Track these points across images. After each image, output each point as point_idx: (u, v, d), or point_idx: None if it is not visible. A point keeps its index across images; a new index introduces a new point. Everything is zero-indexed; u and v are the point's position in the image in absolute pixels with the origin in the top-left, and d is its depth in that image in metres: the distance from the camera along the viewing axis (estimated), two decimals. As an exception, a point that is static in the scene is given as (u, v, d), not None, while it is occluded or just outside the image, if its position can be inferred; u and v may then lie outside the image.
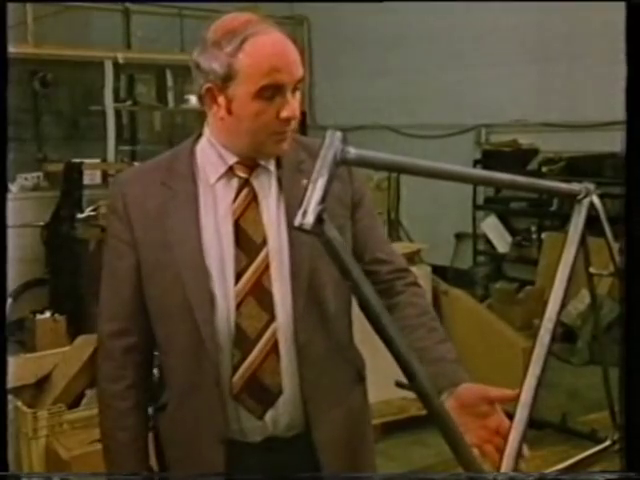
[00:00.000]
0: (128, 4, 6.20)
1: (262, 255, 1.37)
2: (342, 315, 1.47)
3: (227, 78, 1.30)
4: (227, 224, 1.38)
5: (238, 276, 1.37)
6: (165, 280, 1.39)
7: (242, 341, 1.37)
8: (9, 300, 5.04)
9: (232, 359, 1.38)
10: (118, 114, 6.11)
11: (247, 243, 1.37)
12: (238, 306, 1.37)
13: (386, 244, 1.55)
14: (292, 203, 1.37)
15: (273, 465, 1.43)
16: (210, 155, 1.40)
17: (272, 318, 1.37)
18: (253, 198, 1.39)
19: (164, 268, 1.38)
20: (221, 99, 1.33)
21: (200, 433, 1.42)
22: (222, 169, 1.39)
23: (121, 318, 1.44)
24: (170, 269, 1.37)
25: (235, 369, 1.38)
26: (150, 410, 1.52)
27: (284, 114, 1.31)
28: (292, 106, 1.32)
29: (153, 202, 1.39)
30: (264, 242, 1.38)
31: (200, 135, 1.44)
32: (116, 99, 5.95)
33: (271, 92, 1.30)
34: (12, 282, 5.03)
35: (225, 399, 1.39)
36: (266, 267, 1.37)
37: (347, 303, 1.47)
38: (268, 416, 1.40)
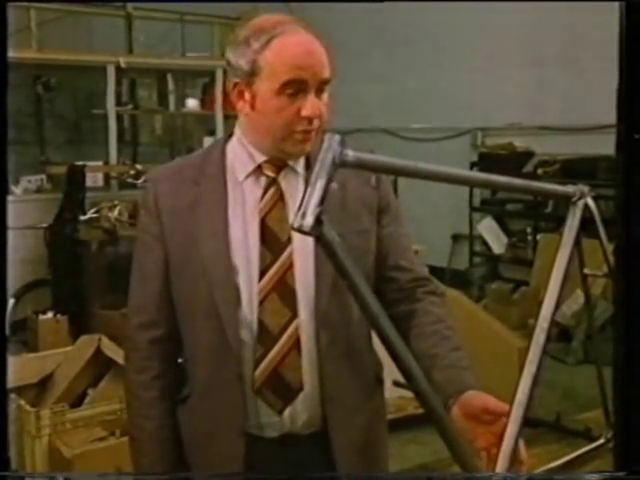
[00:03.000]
0: (130, 10, 6.21)
1: (287, 253, 1.38)
2: (364, 319, 1.42)
3: (252, 74, 1.33)
4: (254, 222, 1.39)
5: (262, 273, 1.38)
6: (192, 274, 1.40)
7: (265, 336, 1.38)
8: (12, 300, 5.02)
9: (254, 354, 1.39)
10: (120, 117, 6.06)
11: (272, 241, 1.39)
12: (261, 302, 1.38)
13: (409, 252, 1.53)
14: None
15: (288, 461, 1.44)
16: (240, 154, 1.42)
17: (295, 315, 1.38)
18: (280, 197, 1.40)
19: (191, 263, 1.40)
20: (247, 95, 1.35)
21: (221, 426, 1.43)
22: (250, 167, 1.41)
23: (148, 310, 1.46)
24: (197, 264, 1.39)
25: (257, 363, 1.39)
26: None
27: (305, 112, 1.31)
28: (314, 105, 1.32)
29: (183, 199, 1.41)
30: (289, 241, 1.38)
31: (231, 135, 1.46)
32: (118, 103, 5.91)
33: (293, 89, 1.31)
34: (15, 283, 5.01)
35: (246, 393, 1.40)
36: (290, 265, 1.38)
37: None
38: (286, 413, 1.41)
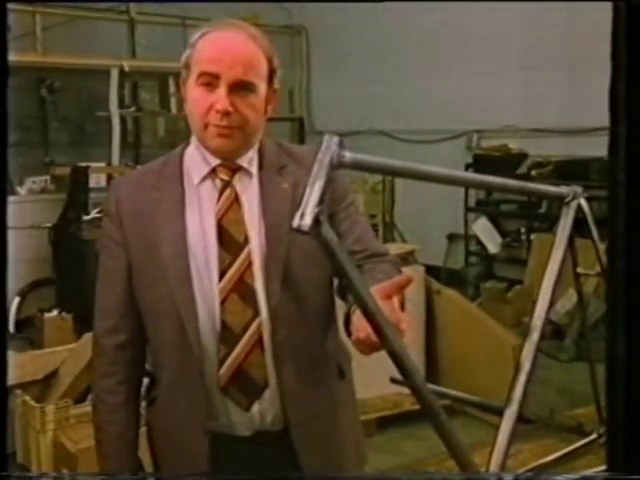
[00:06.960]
0: (133, 14, 6.26)
1: (244, 253, 1.40)
2: (323, 311, 1.49)
3: (185, 67, 1.39)
4: (211, 224, 1.41)
5: (222, 274, 1.39)
6: (153, 278, 1.42)
7: (227, 336, 1.40)
8: (18, 299, 5.06)
9: (218, 353, 1.41)
10: (123, 120, 6.09)
11: (230, 242, 1.40)
12: (223, 302, 1.39)
13: (364, 237, 1.50)
14: (269, 204, 1.42)
15: (262, 459, 1.46)
16: (195, 158, 1.44)
17: (256, 313, 1.40)
18: (235, 199, 1.42)
19: (152, 266, 1.41)
20: (183, 88, 1.41)
21: (185, 425, 1.46)
22: (205, 170, 1.42)
23: (113, 316, 1.48)
24: (157, 267, 1.40)
25: (221, 362, 1.41)
26: (143, 405, 1.56)
27: (216, 106, 1.33)
28: (226, 100, 1.32)
29: (143, 204, 1.43)
30: (246, 241, 1.40)
31: (189, 143, 1.48)
32: (121, 105, 5.96)
33: (207, 80, 1.34)
34: (20, 281, 5.06)
35: (210, 392, 1.43)
36: (249, 265, 1.40)
37: (328, 300, 1.49)
38: (255, 409, 1.43)
